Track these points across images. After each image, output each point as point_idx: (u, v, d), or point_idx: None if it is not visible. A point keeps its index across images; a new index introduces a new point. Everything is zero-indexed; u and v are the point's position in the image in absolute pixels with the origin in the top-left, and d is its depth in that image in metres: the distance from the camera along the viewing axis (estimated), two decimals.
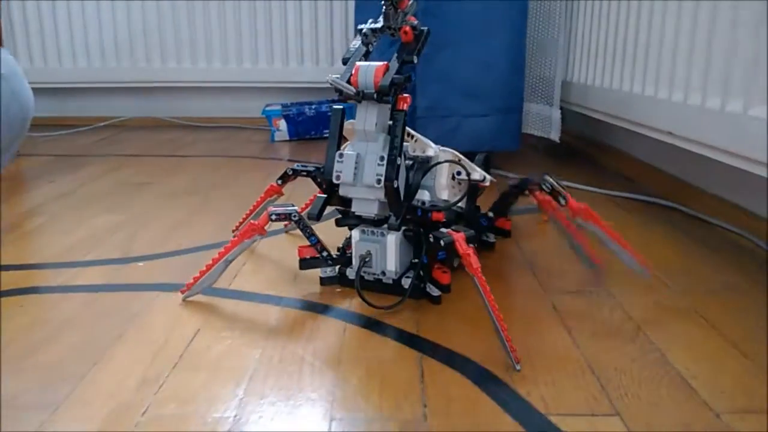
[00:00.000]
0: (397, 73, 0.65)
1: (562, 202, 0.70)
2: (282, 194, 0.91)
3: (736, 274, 0.75)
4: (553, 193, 0.71)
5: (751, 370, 0.54)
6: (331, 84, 0.66)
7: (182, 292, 0.69)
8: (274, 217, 0.69)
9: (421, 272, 0.67)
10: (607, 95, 1.14)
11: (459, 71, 1.24)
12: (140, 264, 0.80)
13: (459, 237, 0.60)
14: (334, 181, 0.67)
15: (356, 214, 0.68)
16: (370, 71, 0.65)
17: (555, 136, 1.36)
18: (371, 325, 0.63)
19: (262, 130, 1.93)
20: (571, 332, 0.61)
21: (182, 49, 2.03)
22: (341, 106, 0.70)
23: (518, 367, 0.53)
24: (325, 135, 1.82)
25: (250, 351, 0.57)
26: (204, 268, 0.68)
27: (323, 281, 0.73)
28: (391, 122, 0.66)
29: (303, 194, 1.02)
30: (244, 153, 1.60)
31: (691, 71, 0.82)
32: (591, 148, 1.52)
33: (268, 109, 1.82)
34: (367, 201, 0.67)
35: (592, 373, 0.53)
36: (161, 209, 1.04)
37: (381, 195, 0.65)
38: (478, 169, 0.76)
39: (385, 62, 0.66)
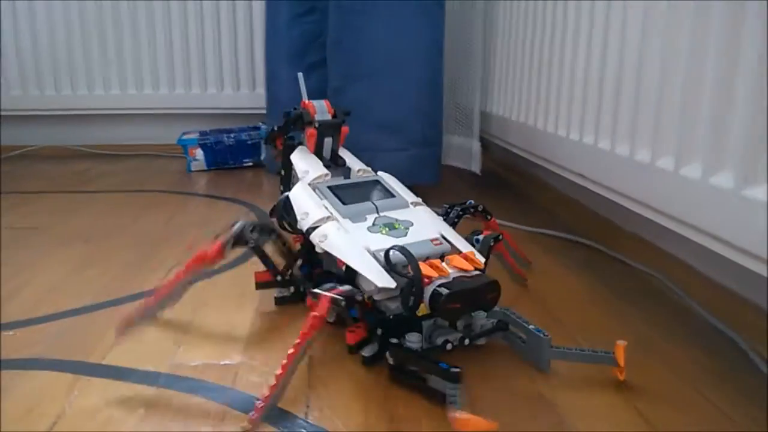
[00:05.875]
0: None
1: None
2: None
3: (651, 328, 0.72)
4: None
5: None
6: None
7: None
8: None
9: None
10: (521, 129, 1.11)
11: (373, 104, 1.19)
12: (10, 333, 0.71)
13: None
14: None
15: None
16: None
17: (476, 168, 1.33)
18: None
19: (180, 158, 1.84)
20: None
21: (94, 75, 1.92)
22: None
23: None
24: (246, 164, 1.76)
25: None
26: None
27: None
28: None
29: None
30: (156, 186, 1.51)
31: (601, 115, 0.79)
32: (515, 179, 1.50)
33: (184, 138, 1.73)
34: None
35: None
36: (44, 262, 0.95)
37: None
38: None
39: None
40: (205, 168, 1.73)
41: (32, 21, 1.88)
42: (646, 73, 0.69)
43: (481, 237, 0.70)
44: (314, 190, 0.69)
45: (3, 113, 1.93)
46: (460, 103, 1.39)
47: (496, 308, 0.62)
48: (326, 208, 0.66)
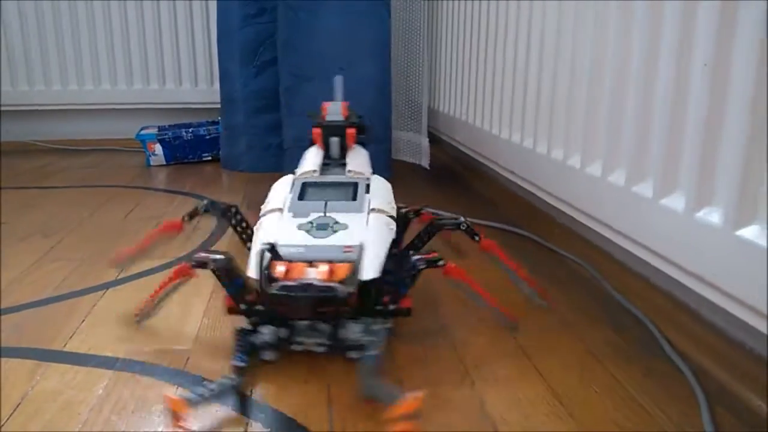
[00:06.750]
0: None
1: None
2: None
3: (572, 311, 0.79)
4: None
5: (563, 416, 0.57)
6: None
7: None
8: None
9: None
10: (463, 126, 1.18)
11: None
12: None
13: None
14: None
15: None
16: None
17: (425, 162, 1.40)
18: None
19: (139, 153, 1.87)
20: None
21: (51, 71, 1.94)
22: None
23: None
24: (204, 158, 1.80)
25: None
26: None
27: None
28: None
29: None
30: (115, 181, 1.55)
31: (525, 117, 0.87)
32: (462, 172, 1.57)
33: (142, 133, 1.77)
34: None
35: None
36: (5, 256, 0.99)
37: None
38: None
39: None
40: (164, 163, 1.77)
41: None
42: (559, 77, 0.76)
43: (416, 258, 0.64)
44: (293, 184, 0.74)
45: None
46: (412, 99, 1.45)
47: (382, 325, 0.62)
48: (285, 201, 0.70)
